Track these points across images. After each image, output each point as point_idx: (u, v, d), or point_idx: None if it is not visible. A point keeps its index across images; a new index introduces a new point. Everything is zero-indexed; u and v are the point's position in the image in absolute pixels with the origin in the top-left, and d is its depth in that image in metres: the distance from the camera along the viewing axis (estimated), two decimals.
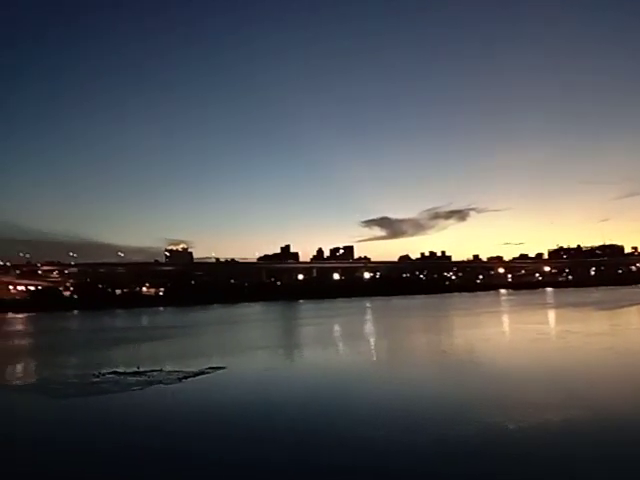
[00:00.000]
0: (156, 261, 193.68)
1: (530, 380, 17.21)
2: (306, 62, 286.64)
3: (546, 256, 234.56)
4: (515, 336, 33.56)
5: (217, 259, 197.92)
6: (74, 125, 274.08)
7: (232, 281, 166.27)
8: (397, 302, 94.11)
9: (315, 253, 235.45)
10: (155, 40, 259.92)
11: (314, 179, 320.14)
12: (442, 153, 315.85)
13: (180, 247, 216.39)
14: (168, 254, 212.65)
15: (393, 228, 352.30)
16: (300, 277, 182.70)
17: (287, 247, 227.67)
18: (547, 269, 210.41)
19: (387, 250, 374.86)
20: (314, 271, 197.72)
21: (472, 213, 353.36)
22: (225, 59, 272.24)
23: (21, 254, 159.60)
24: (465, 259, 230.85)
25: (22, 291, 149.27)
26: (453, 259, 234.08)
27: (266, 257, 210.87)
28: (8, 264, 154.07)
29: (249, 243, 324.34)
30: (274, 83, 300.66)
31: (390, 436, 10.93)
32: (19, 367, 26.03)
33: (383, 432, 11.25)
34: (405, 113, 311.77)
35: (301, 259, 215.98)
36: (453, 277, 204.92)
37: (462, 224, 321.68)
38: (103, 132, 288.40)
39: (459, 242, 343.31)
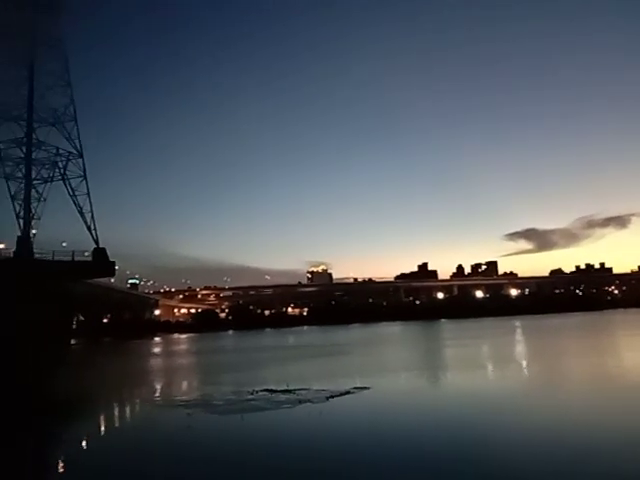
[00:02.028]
0: (299, 283, 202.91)
1: None
2: (445, 71, 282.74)
3: None
4: None
5: (355, 279, 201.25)
6: (227, 162, 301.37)
7: (370, 300, 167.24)
8: (550, 321, 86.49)
9: (455, 270, 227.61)
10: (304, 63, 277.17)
11: (451, 192, 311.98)
12: (593, 154, 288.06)
13: (320, 268, 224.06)
14: (310, 275, 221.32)
15: (541, 240, 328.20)
16: (440, 295, 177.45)
17: (425, 265, 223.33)
18: None
19: (535, 264, 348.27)
20: (455, 289, 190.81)
21: (634, 219, 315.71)
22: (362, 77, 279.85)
23: (183, 280, 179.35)
24: (629, 271, 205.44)
25: (185, 314, 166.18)
26: (614, 271, 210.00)
27: (403, 276, 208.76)
28: (173, 290, 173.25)
29: (386, 262, 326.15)
30: (412, 102, 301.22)
31: None
32: (184, 384, 28.76)
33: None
34: (549, 113, 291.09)
35: (440, 277, 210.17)
36: (615, 291, 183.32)
37: (623, 232, 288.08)
38: (256, 168, 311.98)
39: (620, 252, 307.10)
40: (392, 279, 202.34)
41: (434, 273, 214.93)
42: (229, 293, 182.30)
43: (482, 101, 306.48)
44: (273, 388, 21.62)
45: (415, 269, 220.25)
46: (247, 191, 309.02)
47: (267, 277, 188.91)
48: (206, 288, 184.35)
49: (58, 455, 13.28)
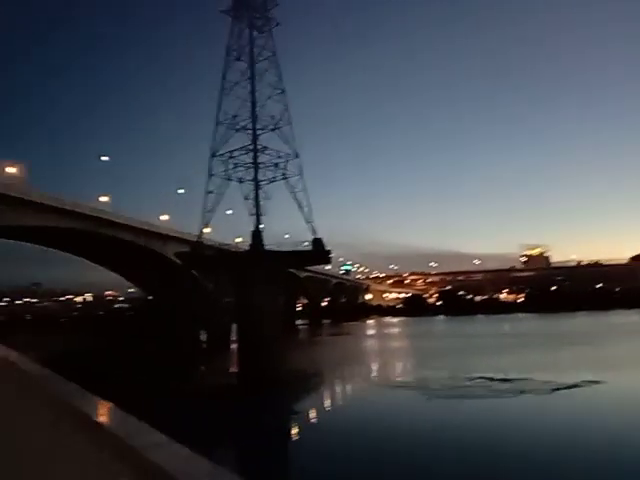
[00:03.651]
0: (512, 267, 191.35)
1: None
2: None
3: None
4: None
5: (578, 262, 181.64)
6: (431, 147, 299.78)
7: (599, 286, 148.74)
8: None
9: None
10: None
11: None
12: None
13: (536, 251, 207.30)
14: (524, 259, 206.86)
15: None
16: None
17: None
18: None
19: None
20: None
21: None
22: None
23: (391, 266, 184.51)
24: None
25: (394, 298, 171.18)
26: None
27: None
28: (382, 275, 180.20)
29: (616, 242, 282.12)
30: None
31: None
32: (399, 365, 29.91)
33: None
34: None
35: None
36: None
37: None
38: (462, 150, 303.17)
39: None
40: (626, 260, 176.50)
41: None
42: (436, 278, 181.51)
43: None
44: (490, 376, 21.12)
45: None
46: (452, 175, 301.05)
47: (476, 262, 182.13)
48: (413, 273, 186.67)
49: (294, 424, 15.24)
